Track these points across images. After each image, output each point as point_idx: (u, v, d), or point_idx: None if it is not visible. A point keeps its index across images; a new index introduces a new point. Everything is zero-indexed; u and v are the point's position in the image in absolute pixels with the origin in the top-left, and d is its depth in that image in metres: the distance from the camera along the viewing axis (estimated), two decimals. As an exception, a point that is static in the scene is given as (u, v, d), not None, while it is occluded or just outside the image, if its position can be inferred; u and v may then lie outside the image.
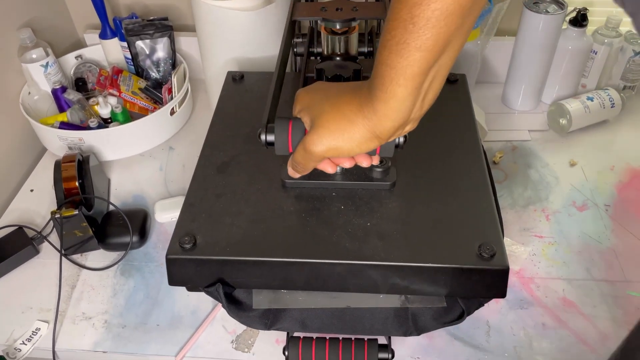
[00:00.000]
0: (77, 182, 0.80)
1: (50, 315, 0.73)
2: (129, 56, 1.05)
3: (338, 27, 0.70)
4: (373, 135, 0.48)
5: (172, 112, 0.99)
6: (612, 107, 0.96)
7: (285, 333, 0.65)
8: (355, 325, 0.62)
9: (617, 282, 0.74)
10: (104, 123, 0.98)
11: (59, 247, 0.78)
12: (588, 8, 0.93)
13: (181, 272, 0.60)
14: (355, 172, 0.64)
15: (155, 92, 1.03)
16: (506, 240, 0.77)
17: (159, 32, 1.02)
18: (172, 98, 0.99)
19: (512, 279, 0.74)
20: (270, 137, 0.56)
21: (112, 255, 0.80)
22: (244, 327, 0.70)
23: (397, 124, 0.47)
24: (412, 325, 0.61)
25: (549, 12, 0.92)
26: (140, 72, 1.06)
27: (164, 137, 1.00)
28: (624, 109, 0.98)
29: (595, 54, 0.99)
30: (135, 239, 0.79)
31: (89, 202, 0.81)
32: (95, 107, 0.98)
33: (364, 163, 0.56)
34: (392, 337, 0.64)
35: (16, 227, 0.82)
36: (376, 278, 0.58)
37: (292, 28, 0.72)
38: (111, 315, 0.73)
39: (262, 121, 0.57)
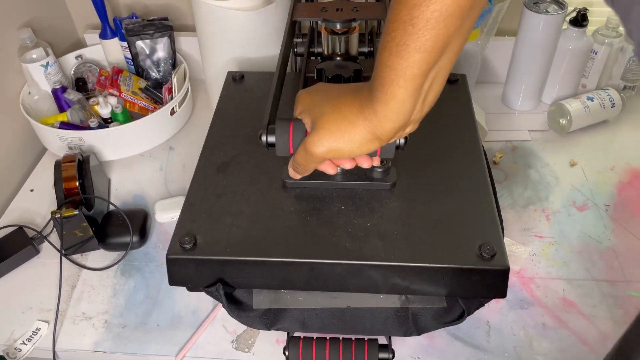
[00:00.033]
0: (78, 182, 0.80)
1: (51, 315, 0.73)
2: (129, 56, 1.05)
3: (338, 27, 0.70)
4: (374, 137, 0.48)
5: (172, 112, 0.99)
6: (612, 107, 0.96)
7: (285, 333, 0.65)
8: (355, 325, 0.62)
9: (617, 282, 0.74)
10: (104, 123, 0.98)
11: (59, 247, 0.78)
12: (588, 8, 0.93)
13: (181, 272, 0.60)
14: (356, 172, 0.64)
15: (156, 92, 1.03)
16: (506, 240, 0.77)
17: (159, 32, 1.02)
18: (172, 98, 0.99)
19: (512, 279, 0.74)
20: (271, 139, 0.56)
21: (112, 255, 0.80)
22: (244, 327, 0.70)
23: (397, 125, 0.47)
24: (413, 325, 0.61)
25: (549, 12, 0.92)
26: (140, 72, 1.06)
27: (164, 137, 1.00)
28: (624, 109, 0.98)
29: (596, 54, 0.99)
30: (135, 239, 0.79)
31: (89, 202, 0.81)
32: (96, 107, 0.98)
33: (365, 164, 0.56)
34: (393, 337, 0.64)
35: (16, 227, 0.82)
36: (376, 278, 0.58)
37: (293, 29, 0.72)
38: (111, 315, 0.73)
39: (263, 122, 0.57)
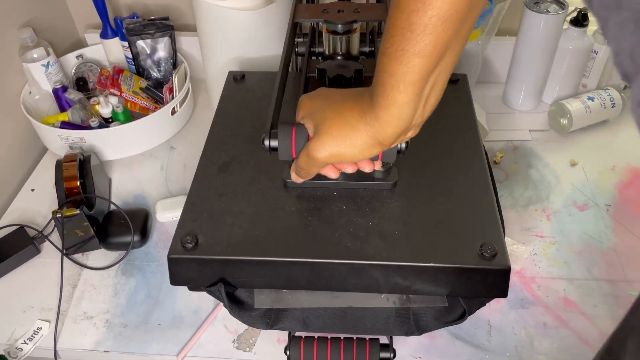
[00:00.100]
0: (79, 181, 0.80)
1: (52, 314, 0.73)
2: (130, 56, 1.05)
3: (340, 29, 0.70)
4: (375, 142, 0.49)
5: (173, 112, 0.99)
6: (612, 107, 0.96)
7: (286, 333, 0.65)
8: (356, 325, 0.62)
9: (618, 282, 0.74)
10: (105, 123, 0.98)
11: (60, 247, 0.78)
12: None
13: (183, 272, 0.60)
14: (357, 172, 0.64)
15: (156, 92, 1.03)
16: (507, 240, 0.77)
17: (160, 31, 1.02)
18: (173, 98, 0.99)
19: (513, 279, 0.74)
20: (274, 143, 0.56)
21: (114, 255, 0.80)
22: (245, 326, 0.70)
23: (398, 130, 0.47)
24: (414, 324, 0.62)
25: (549, 12, 0.92)
26: (141, 71, 1.06)
27: (165, 137, 1.00)
28: (624, 109, 0.98)
29: (596, 53, 0.99)
30: (136, 238, 0.79)
31: (90, 201, 0.81)
32: (96, 106, 0.98)
33: (367, 168, 0.56)
34: (394, 337, 0.64)
35: (17, 227, 0.83)
36: (378, 278, 0.58)
37: (294, 30, 0.72)
38: (112, 314, 0.73)
39: (265, 126, 0.57)
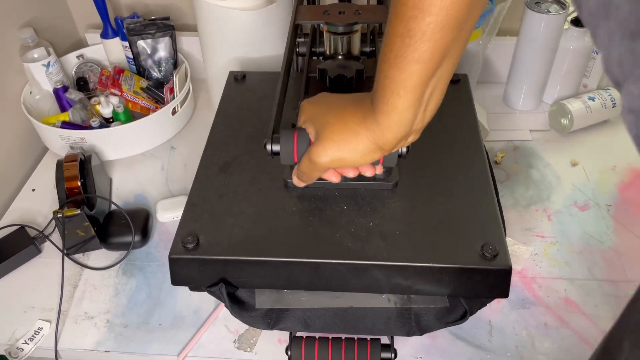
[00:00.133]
0: (79, 181, 0.80)
1: (53, 314, 0.73)
2: (131, 56, 1.05)
3: (341, 30, 0.70)
4: (376, 147, 0.49)
5: (174, 112, 0.99)
6: (613, 107, 0.96)
7: (287, 333, 0.65)
8: (357, 325, 0.62)
9: (619, 282, 0.74)
10: (106, 122, 0.98)
11: (61, 247, 0.78)
12: (590, 8, 0.93)
13: (184, 272, 0.60)
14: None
15: (157, 92, 1.03)
16: (508, 240, 0.77)
17: (161, 31, 1.02)
18: (173, 98, 0.99)
19: (514, 279, 0.73)
20: (276, 147, 0.57)
21: (114, 255, 0.80)
22: (246, 326, 0.70)
23: (399, 135, 0.48)
24: (415, 325, 0.62)
25: (550, 12, 0.92)
26: (141, 71, 1.06)
27: (166, 137, 1.00)
28: (625, 109, 0.98)
29: (597, 54, 0.98)
30: (137, 238, 0.79)
31: (91, 201, 0.81)
32: (97, 106, 0.98)
33: (368, 173, 0.56)
34: (395, 337, 0.64)
35: (18, 227, 0.83)
36: (379, 278, 0.58)
37: (295, 32, 0.73)
38: (113, 314, 0.73)
39: (267, 131, 0.57)
